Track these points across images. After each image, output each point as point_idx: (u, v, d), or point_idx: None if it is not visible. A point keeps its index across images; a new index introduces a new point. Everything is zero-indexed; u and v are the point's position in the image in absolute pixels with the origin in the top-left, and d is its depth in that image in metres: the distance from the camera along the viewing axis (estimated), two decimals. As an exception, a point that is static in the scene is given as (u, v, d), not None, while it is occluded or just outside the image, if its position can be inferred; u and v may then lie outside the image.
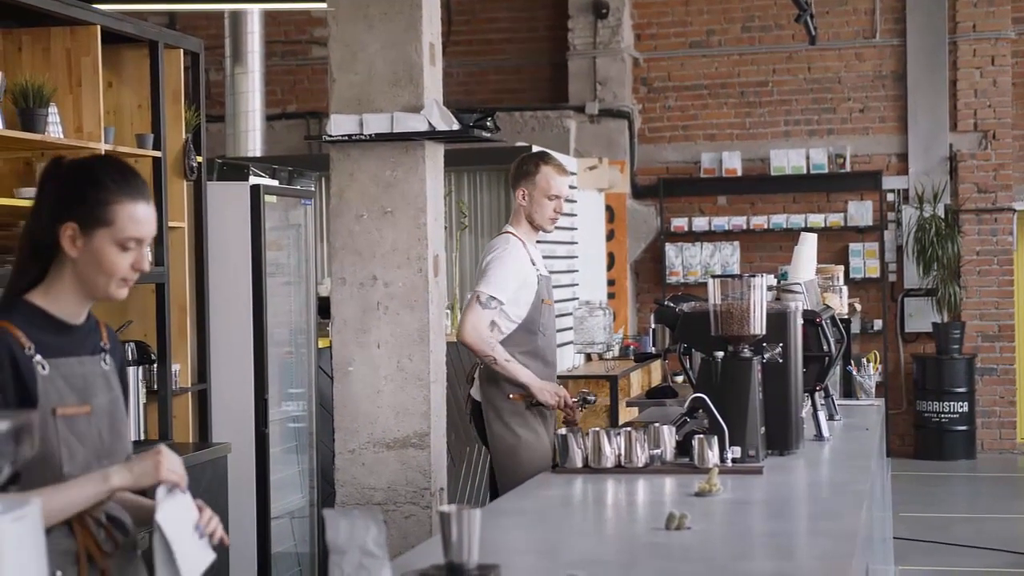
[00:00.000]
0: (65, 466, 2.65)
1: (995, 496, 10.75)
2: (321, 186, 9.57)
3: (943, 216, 12.20)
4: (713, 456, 4.16)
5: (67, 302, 2.75)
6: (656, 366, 10.34)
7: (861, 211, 12.42)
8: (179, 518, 2.70)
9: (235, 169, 7.62)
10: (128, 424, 2.85)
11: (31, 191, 5.45)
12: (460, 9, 13.11)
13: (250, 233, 6.51)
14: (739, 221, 12.59)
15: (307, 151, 12.38)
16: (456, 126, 5.02)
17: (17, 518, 1.93)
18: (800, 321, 4.68)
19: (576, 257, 10.16)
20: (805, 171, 12.49)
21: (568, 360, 9.55)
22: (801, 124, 12.76)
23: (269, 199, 6.64)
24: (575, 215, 10.02)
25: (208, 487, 5.73)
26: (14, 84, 5.37)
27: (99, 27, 5.69)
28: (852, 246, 12.44)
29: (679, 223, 12.71)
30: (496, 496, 5.14)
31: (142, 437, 5.79)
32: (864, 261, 12.43)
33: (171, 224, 6.14)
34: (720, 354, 4.35)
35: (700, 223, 12.67)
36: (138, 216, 2.73)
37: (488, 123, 5.18)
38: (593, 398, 5.47)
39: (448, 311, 8.04)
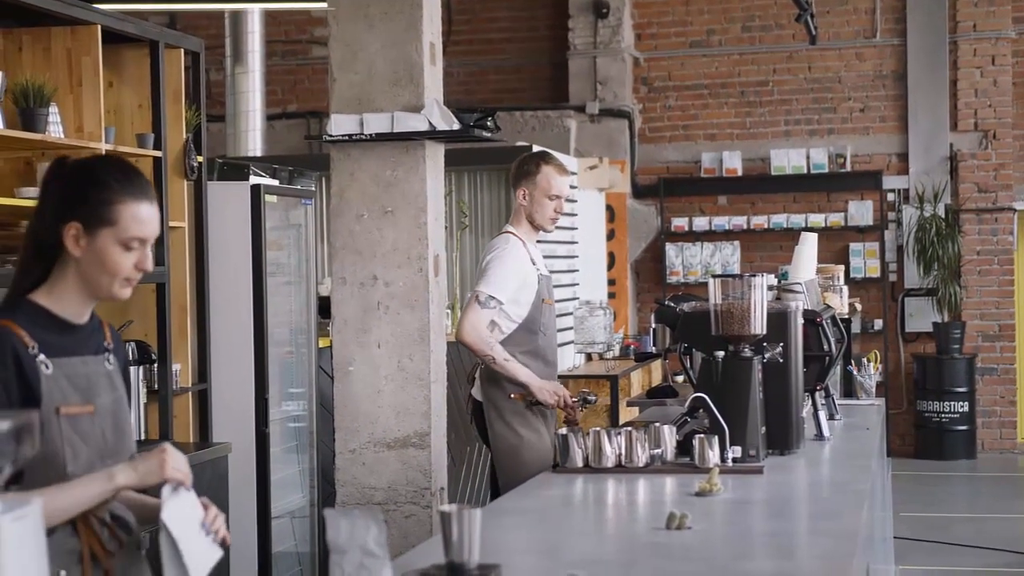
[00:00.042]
0: (69, 465, 2.65)
1: (995, 496, 10.75)
2: (321, 186, 9.57)
3: (943, 216, 12.21)
4: (714, 456, 4.16)
5: (70, 302, 2.75)
6: (656, 366, 10.34)
7: (861, 211, 12.42)
8: (185, 517, 2.70)
9: (235, 169, 7.62)
10: (132, 424, 2.85)
11: (32, 191, 5.45)
12: (460, 8, 13.11)
13: (250, 233, 6.51)
14: (739, 221, 12.59)
15: (307, 151, 12.38)
16: (456, 126, 5.01)
17: (18, 518, 1.93)
18: (800, 321, 4.68)
19: (576, 257, 10.16)
20: (805, 171, 12.49)
21: (568, 360, 9.55)
22: (801, 124, 12.76)
23: (269, 199, 6.64)
24: (575, 215, 10.02)
25: (208, 487, 5.73)
26: (15, 84, 5.37)
27: (99, 27, 5.69)
28: (852, 246, 12.44)
29: (679, 223, 12.71)
30: (497, 496, 5.14)
31: (143, 437, 5.79)
32: (864, 261, 12.43)
33: (171, 224, 6.14)
34: (721, 354, 4.35)
35: (700, 223, 12.68)
36: (142, 216, 2.73)
37: (488, 123, 5.18)
38: (594, 398, 5.47)
39: (449, 311, 8.04)
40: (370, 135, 5.04)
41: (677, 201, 12.83)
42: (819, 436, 4.96)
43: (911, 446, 12.28)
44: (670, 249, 12.70)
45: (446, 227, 5.41)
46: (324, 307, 6.55)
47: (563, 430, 4.35)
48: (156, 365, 6.00)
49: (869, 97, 12.63)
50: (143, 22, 6.27)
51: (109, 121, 5.91)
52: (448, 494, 5.36)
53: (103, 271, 2.72)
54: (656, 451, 4.24)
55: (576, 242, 10.13)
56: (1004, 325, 12.42)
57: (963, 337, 12.17)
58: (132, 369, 5.60)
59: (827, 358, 5.02)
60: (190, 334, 6.32)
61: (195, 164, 6.30)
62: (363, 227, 5.10)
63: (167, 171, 6.09)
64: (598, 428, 4.25)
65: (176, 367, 6.19)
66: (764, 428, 4.35)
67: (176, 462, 2.70)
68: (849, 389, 6.53)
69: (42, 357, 2.67)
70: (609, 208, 11.97)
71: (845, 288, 6.74)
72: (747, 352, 4.36)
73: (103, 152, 5.57)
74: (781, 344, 4.47)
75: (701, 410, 4.31)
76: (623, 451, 4.21)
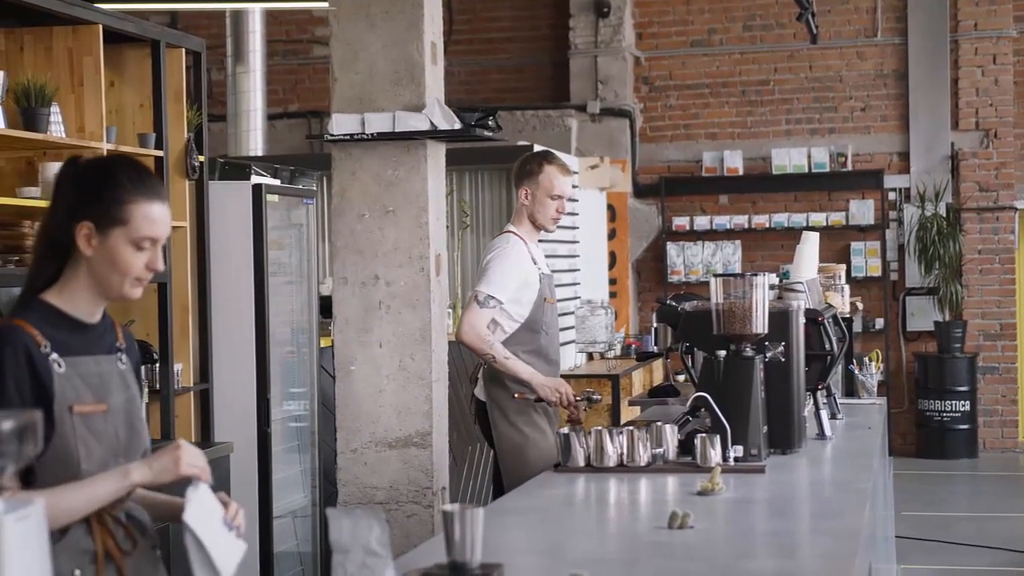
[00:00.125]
0: (83, 463, 2.66)
1: (997, 495, 10.74)
2: (323, 185, 9.57)
3: (944, 215, 12.20)
4: (715, 455, 4.16)
5: (82, 301, 2.76)
6: (658, 365, 10.34)
7: (863, 210, 12.41)
8: (207, 515, 2.71)
9: (237, 168, 7.63)
10: (145, 423, 2.86)
11: (34, 191, 5.45)
12: (461, 8, 13.11)
13: (252, 232, 6.51)
14: (741, 220, 12.59)
15: (309, 150, 12.38)
16: (458, 125, 5.01)
17: (20, 518, 1.93)
18: (802, 320, 4.68)
19: (578, 256, 10.16)
20: (807, 170, 12.49)
21: (570, 359, 9.55)
22: (803, 123, 12.76)
23: (271, 198, 6.64)
24: (576, 214, 10.01)
25: (210, 487, 5.73)
26: (16, 83, 5.37)
27: (101, 26, 5.69)
28: (854, 245, 12.44)
29: (681, 222, 12.71)
30: (500, 495, 5.13)
31: (145, 436, 5.78)
32: (866, 260, 12.43)
33: (173, 223, 6.13)
34: (722, 353, 4.35)
35: (702, 222, 12.68)
36: (153, 216, 2.74)
37: (490, 122, 5.18)
38: (598, 397, 5.46)
39: (450, 310, 8.04)
40: (371, 135, 5.03)
41: (678, 200, 12.83)
42: (821, 435, 4.96)
43: (912, 445, 12.27)
44: (671, 248, 12.70)
45: (447, 226, 5.42)
46: (325, 307, 6.55)
47: (565, 429, 4.35)
48: (158, 365, 6.00)
49: (870, 96, 12.62)
50: (144, 22, 6.28)
51: (110, 121, 5.92)
52: (450, 494, 5.36)
53: (114, 270, 2.73)
54: (658, 450, 4.24)
55: (577, 241, 10.13)
56: (1005, 324, 12.42)
57: (964, 336, 12.17)
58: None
59: (829, 357, 5.02)
60: (192, 334, 6.32)
61: (196, 164, 6.30)
62: (364, 226, 5.10)
63: (169, 171, 6.09)
64: (600, 427, 4.26)
65: (178, 367, 6.19)
66: (766, 427, 4.36)
67: (191, 458, 2.71)
68: (851, 388, 6.54)
69: (55, 356, 2.68)
70: (610, 207, 11.97)
71: (846, 287, 6.75)
72: (749, 351, 4.36)
73: (104, 152, 5.58)
74: (783, 343, 4.47)
75: (703, 409, 4.31)
76: (625, 450, 4.21)
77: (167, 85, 6.12)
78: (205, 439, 6.32)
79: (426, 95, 5.03)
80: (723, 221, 12.64)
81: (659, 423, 4.33)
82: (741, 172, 12.65)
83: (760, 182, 12.66)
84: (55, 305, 2.74)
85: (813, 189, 12.61)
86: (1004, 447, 12.39)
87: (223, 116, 11.09)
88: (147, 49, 6.11)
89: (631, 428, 4.27)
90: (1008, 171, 12.41)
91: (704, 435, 4.19)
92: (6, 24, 5.68)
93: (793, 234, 11.30)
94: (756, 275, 4.39)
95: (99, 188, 2.73)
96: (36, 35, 5.68)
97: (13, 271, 5.17)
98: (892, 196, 12.56)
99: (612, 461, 4.20)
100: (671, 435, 4.28)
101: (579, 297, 10.07)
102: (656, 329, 8.04)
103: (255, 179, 6.98)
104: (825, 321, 5.01)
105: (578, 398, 5.32)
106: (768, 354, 4.41)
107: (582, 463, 4.23)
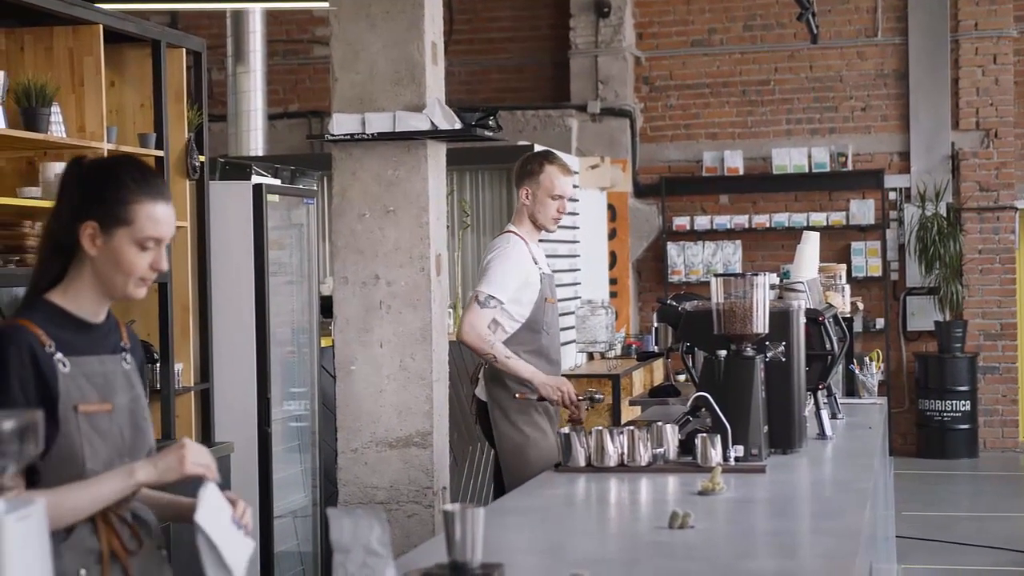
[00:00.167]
0: (88, 463, 2.67)
1: (997, 495, 10.74)
2: (323, 185, 9.57)
3: (945, 215, 12.21)
4: (716, 455, 4.16)
5: (86, 301, 2.77)
6: (658, 365, 10.34)
7: (863, 210, 12.41)
8: (217, 515, 2.71)
9: (237, 168, 7.63)
10: (150, 422, 2.86)
11: (34, 191, 5.45)
12: (462, 8, 13.11)
13: (252, 232, 6.51)
14: (741, 220, 12.59)
15: (309, 150, 12.38)
16: (458, 125, 5.01)
17: (21, 517, 1.93)
18: (803, 320, 4.68)
19: (578, 256, 10.16)
20: (807, 170, 12.49)
21: (570, 359, 9.55)
22: (803, 123, 12.76)
23: (271, 198, 6.64)
24: (577, 214, 10.02)
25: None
26: (17, 83, 5.37)
27: (101, 26, 5.69)
28: (854, 245, 12.44)
29: (681, 222, 12.71)
30: (501, 495, 5.13)
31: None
32: (866, 260, 12.43)
33: (173, 223, 6.14)
34: (723, 353, 4.35)
35: (702, 222, 12.68)
36: (157, 216, 2.75)
37: (490, 122, 5.18)
38: (600, 396, 5.46)
39: (451, 310, 8.04)
40: (372, 134, 5.04)
41: (679, 200, 12.83)
42: (821, 435, 4.96)
43: (913, 445, 12.27)
44: (672, 248, 12.70)
45: (448, 226, 5.41)
46: (326, 306, 6.55)
47: (566, 429, 4.35)
48: (158, 365, 6.00)
49: (871, 96, 12.62)
50: (145, 22, 6.28)
51: (111, 121, 5.92)
52: (450, 493, 5.36)
53: (118, 270, 2.73)
54: (658, 450, 4.24)
55: (578, 241, 10.14)
56: (1006, 324, 12.42)
57: (965, 336, 12.17)
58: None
59: (829, 357, 5.02)
60: (192, 334, 6.32)
61: (197, 164, 6.30)
62: (365, 226, 5.10)
63: (169, 171, 6.09)
64: (600, 427, 4.26)
65: (178, 367, 6.19)
66: (766, 427, 4.36)
67: (196, 456, 2.71)
68: (851, 388, 6.54)
69: (59, 356, 2.68)
70: (611, 207, 11.96)
71: (847, 287, 6.75)
72: (749, 351, 4.36)
73: (105, 152, 5.58)
74: (783, 343, 4.47)
75: (703, 409, 4.31)
76: (625, 450, 4.21)
77: (167, 85, 6.12)
78: (205, 439, 6.32)
79: (427, 95, 5.03)
80: (723, 221, 12.64)
81: (660, 423, 4.33)
82: (741, 172, 12.65)
83: (760, 182, 12.66)
84: (59, 305, 2.75)
85: (813, 189, 12.61)
86: (1004, 447, 12.39)
87: (223, 116, 11.09)
88: (148, 49, 6.11)
89: (632, 428, 4.27)
90: (1008, 171, 12.41)
91: (705, 435, 4.19)
92: (7, 24, 5.68)
93: (793, 234, 11.31)
94: (757, 275, 4.39)
95: (103, 188, 2.74)
96: (37, 35, 5.68)
97: (14, 271, 5.17)
98: (892, 196, 12.56)
99: (613, 461, 4.20)
100: (672, 435, 4.28)
101: (579, 297, 10.07)
102: (657, 329, 8.02)
103: (255, 179, 6.99)
104: (826, 321, 5.01)
105: (581, 398, 5.32)
106: (769, 354, 4.41)
107: (583, 463, 4.23)
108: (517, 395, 5.29)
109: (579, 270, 10.18)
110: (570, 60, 12.86)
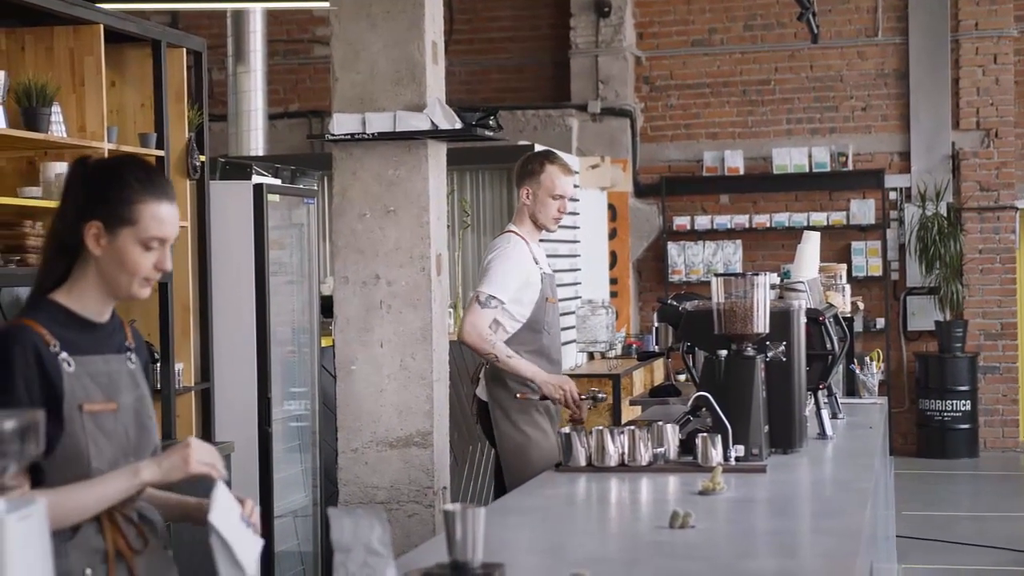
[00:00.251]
0: (93, 462, 2.67)
1: (998, 494, 10.74)
2: (324, 185, 9.57)
3: (945, 214, 12.21)
4: (717, 454, 4.16)
5: (91, 300, 2.77)
6: (659, 365, 10.34)
7: (863, 209, 12.42)
8: (229, 514, 2.73)
9: (238, 168, 7.63)
10: (155, 421, 2.87)
11: (35, 190, 5.45)
12: (462, 8, 13.11)
13: (253, 232, 6.51)
14: (741, 220, 12.59)
15: (309, 150, 12.38)
16: (459, 125, 5.01)
17: (22, 517, 1.93)
18: (803, 319, 4.68)
19: (578, 256, 10.16)
20: (807, 169, 12.49)
21: (571, 359, 9.55)
22: (803, 122, 12.76)
23: (272, 198, 6.64)
24: (577, 214, 10.02)
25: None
26: (17, 83, 5.37)
27: (102, 26, 5.69)
28: (854, 244, 12.44)
29: (681, 222, 12.71)
30: (502, 495, 5.13)
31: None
32: (867, 259, 12.43)
33: (174, 223, 6.14)
34: (723, 352, 4.35)
35: (702, 222, 12.68)
36: (162, 216, 2.75)
37: (490, 122, 5.18)
38: (603, 396, 5.46)
39: (451, 310, 8.04)
40: (372, 134, 5.04)
41: (679, 200, 12.83)
42: (822, 435, 4.96)
43: (913, 445, 12.27)
44: (672, 248, 12.70)
45: (448, 226, 5.41)
46: (326, 306, 6.55)
47: (566, 429, 4.35)
48: (159, 364, 6.00)
49: (871, 96, 12.62)
50: (145, 22, 6.28)
51: (111, 120, 5.92)
52: (451, 493, 5.36)
53: (123, 270, 2.74)
54: (659, 450, 4.24)
55: (578, 241, 10.14)
56: (1006, 324, 12.42)
57: (965, 336, 12.17)
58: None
59: (830, 357, 5.02)
60: (193, 333, 6.33)
61: (197, 164, 6.31)
62: (365, 226, 5.10)
63: (169, 171, 6.09)
64: (601, 427, 4.25)
65: (179, 366, 6.19)
66: (767, 427, 4.36)
67: (201, 456, 2.72)
68: (852, 388, 6.54)
69: (64, 355, 2.69)
70: (611, 207, 11.96)
71: (847, 287, 6.75)
72: (750, 351, 4.36)
73: (106, 151, 5.58)
74: (784, 343, 4.46)
75: (704, 409, 4.31)
76: (626, 450, 4.21)
77: (168, 85, 6.12)
78: (206, 439, 6.32)
79: (427, 95, 5.03)
80: (724, 221, 12.64)
81: (660, 423, 4.33)
82: (742, 172, 12.65)
83: (761, 182, 12.66)
84: (64, 305, 2.75)
85: (814, 189, 12.62)
86: (1005, 446, 12.39)
87: (224, 116, 11.09)
88: (148, 49, 6.11)
89: (632, 428, 4.27)
90: (1009, 170, 12.41)
91: (705, 435, 4.19)
92: (7, 24, 5.68)
93: (794, 234, 11.31)
94: (757, 275, 4.39)
95: (108, 188, 2.74)
96: (37, 35, 5.69)
97: (14, 271, 5.17)
98: (893, 196, 12.56)
99: (613, 461, 4.20)
100: (672, 435, 4.28)
101: (580, 297, 10.07)
102: (657, 329, 8.03)
103: (256, 179, 6.99)
104: (826, 321, 5.01)
105: (584, 397, 5.32)
106: (769, 354, 4.41)
107: (583, 463, 4.23)
108: (518, 395, 5.29)
109: (579, 270, 10.18)
110: (570, 60, 12.87)
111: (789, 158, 12.50)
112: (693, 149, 12.88)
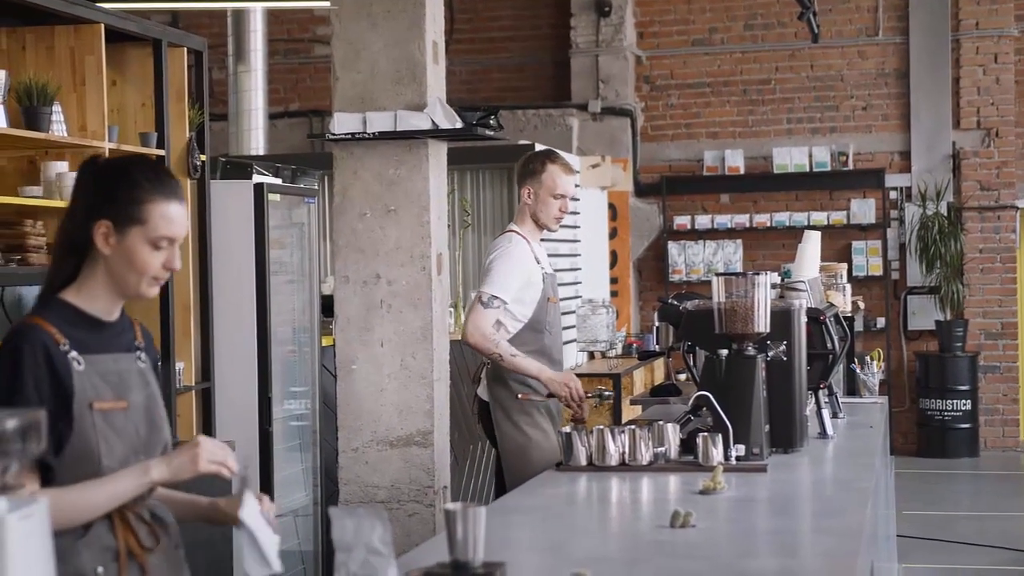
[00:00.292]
0: (104, 460, 2.68)
1: (998, 494, 10.75)
2: (324, 184, 9.57)
3: (946, 214, 12.21)
4: (717, 454, 4.16)
5: (100, 299, 2.78)
6: (659, 364, 10.34)
7: (864, 209, 12.42)
8: (253, 511, 2.76)
9: (238, 168, 7.64)
10: (166, 419, 2.87)
11: (36, 190, 5.46)
12: (463, 7, 13.11)
13: (253, 231, 6.51)
14: (742, 219, 12.59)
15: (310, 149, 12.39)
16: (459, 124, 5.01)
17: (24, 516, 1.93)
18: (804, 319, 4.68)
19: (579, 255, 10.17)
20: (808, 169, 12.49)
21: (571, 358, 9.56)
22: (804, 122, 12.76)
23: (272, 197, 6.64)
24: (578, 213, 10.02)
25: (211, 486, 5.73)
26: (18, 82, 5.37)
27: (103, 26, 5.69)
28: (855, 244, 12.44)
29: (682, 221, 12.72)
30: (502, 495, 5.13)
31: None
32: (867, 259, 12.43)
33: (175, 222, 6.14)
34: (724, 352, 4.35)
35: (703, 221, 12.68)
36: (171, 215, 2.76)
37: (491, 121, 5.18)
38: (609, 394, 5.47)
39: (452, 309, 8.05)
40: (373, 134, 5.04)
41: (679, 199, 12.83)
42: (822, 434, 4.96)
43: (914, 444, 12.28)
44: (672, 247, 12.70)
45: (449, 226, 5.41)
46: (327, 306, 6.55)
47: (567, 428, 4.35)
48: (159, 364, 6.00)
49: (871, 95, 12.62)
50: (146, 21, 6.28)
51: (112, 120, 5.92)
52: (451, 493, 5.36)
53: (131, 269, 2.75)
54: (660, 449, 4.24)
55: (578, 240, 10.14)
56: (1007, 323, 12.42)
57: (966, 335, 12.17)
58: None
59: (830, 356, 5.02)
60: (193, 333, 6.33)
61: (198, 163, 6.31)
62: (366, 226, 5.10)
63: (170, 170, 6.09)
64: (602, 426, 4.25)
65: (179, 366, 6.20)
66: (768, 426, 4.36)
67: (210, 454, 2.73)
68: (852, 387, 6.53)
69: (74, 354, 2.69)
70: (611, 206, 11.97)
71: (848, 286, 6.75)
72: (751, 350, 4.36)
73: (106, 151, 5.58)
74: (784, 342, 4.46)
75: (705, 408, 4.31)
76: (627, 449, 4.21)
77: (169, 84, 6.13)
78: (207, 438, 6.32)
79: (428, 94, 5.04)
80: (724, 220, 12.64)
81: (661, 422, 4.33)
82: (742, 171, 12.65)
83: (761, 181, 12.66)
84: (73, 304, 2.76)
85: (814, 188, 12.62)
86: (1005, 446, 12.39)
87: (224, 115, 11.10)
88: (149, 48, 6.11)
89: (633, 427, 4.27)
90: (1009, 170, 12.41)
91: (706, 434, 4.19)
92: (8, 23, 5.68)
93: (794, 233, 11.31)
94: (758, 274, 4.39)
95: (117, 188, 2.75)
96: (38, 34, 5.69)
97: (15, 270, 5.17)
98: (893, 195, 12.56)
99: (614, 460, 4.20)
100: (673, 434, 4.28)
101: (580, 296, 10.07)
102: (657, 328, 8.04)
103: (256, 178, 6.99)
104: (827, 320, 5.01)
105: (589, 395, 5.32)
106: (770, 353, 4.41)
107: (584, 462, 4.23)
108: (520, 396, 5.29)
109: (580, 269, 10.18)
110: (571, 59, 12.87)
111: (789, 157, 12.50)
112: (693, 148, 12.88)
